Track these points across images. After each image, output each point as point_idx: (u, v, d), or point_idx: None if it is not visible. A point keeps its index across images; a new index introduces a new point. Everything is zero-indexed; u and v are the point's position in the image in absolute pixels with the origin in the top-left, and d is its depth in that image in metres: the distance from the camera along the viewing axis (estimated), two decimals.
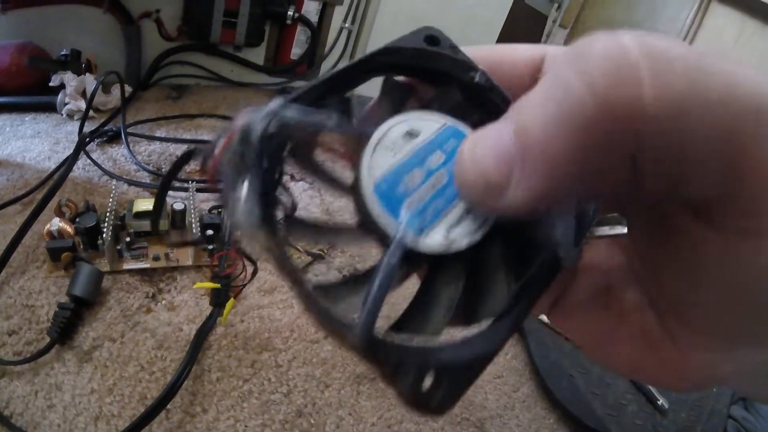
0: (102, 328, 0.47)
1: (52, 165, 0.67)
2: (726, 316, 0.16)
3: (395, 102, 0.20)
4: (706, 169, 0.13)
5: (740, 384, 0.21)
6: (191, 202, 0.58)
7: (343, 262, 0.63)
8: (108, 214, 0.54)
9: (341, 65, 0.19)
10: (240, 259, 0.55)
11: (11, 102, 0.79)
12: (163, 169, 0.72)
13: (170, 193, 0.67)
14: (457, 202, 0.17)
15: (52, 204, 0.55)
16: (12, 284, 0.50)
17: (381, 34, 1.15)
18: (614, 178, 0.14)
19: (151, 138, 0.78)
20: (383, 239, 0.17)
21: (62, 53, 0.82)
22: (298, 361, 0.50)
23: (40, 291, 0.49)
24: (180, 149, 0.78)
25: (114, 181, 0.65)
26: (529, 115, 0.14)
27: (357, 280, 0.18)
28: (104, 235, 0.52)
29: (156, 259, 0.55)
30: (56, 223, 0.52)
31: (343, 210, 0.72)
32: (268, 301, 0.55)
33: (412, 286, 0.19)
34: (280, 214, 0.18)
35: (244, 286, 0.54)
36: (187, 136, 0.82)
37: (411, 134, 0.18)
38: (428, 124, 0.19)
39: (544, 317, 0.63)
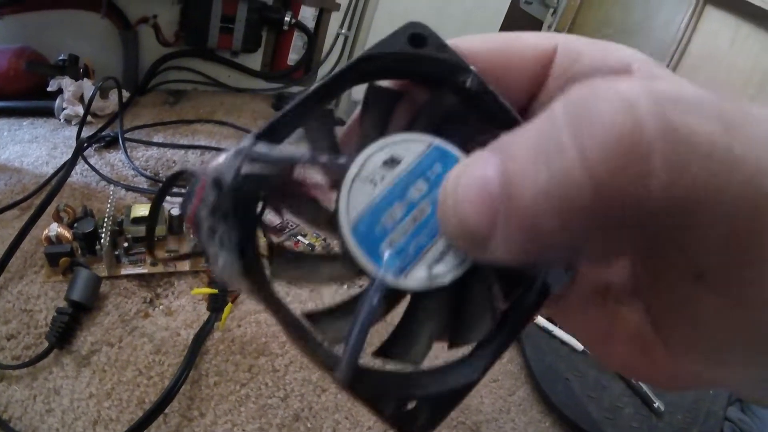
0: (100, 333, 0.48)
1: (49, 170, 0.67)
2: (719, 344, 0.15)
3: (380, 112, 0.19)
4: (714, 248, 0.12)
5: (734, 389, 0.21)
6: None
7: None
8: (106, 219, 0.54)
9: (316, 84, 0.18)
10: None
11: (9, 106, 0.79)
12: (160, 174, 0.72)
13: (167, 198, 0.67)
14: (439, 236, 0.16)
15: (50, 209, 0.55)
16: (10, 289, 0.50)
17: (377, 39, 1.15)
18: (607, 246, 0.13)
19: (149, 143, 0.79)
20: (366, 274, 0.16)
21: (60, 58, 0.83)
22: (294, 365, 0.50)
23: (38, 296, 0.50)
24: (177, 154, 0.78)
25: (112, 187, 0.66)
26: (518, 169, 0.13)
27: (344, 307, 0.17)
28: (102, 240, 0.52)
29: (154, 264, 0.55)
30: (54, 229, 0.53)
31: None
32: None
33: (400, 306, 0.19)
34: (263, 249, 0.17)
35: None
36: (184, 141, 0.82)
37: (392, 161, 0.17)
38: (411, 147, 0.17)
39: (541, 319, 0.64)
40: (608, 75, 0.17)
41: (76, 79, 0.82)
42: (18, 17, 0.82)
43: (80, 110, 0.79)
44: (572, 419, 0.52)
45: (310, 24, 1.07)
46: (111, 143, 0.76)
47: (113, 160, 0.74)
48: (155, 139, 0.80)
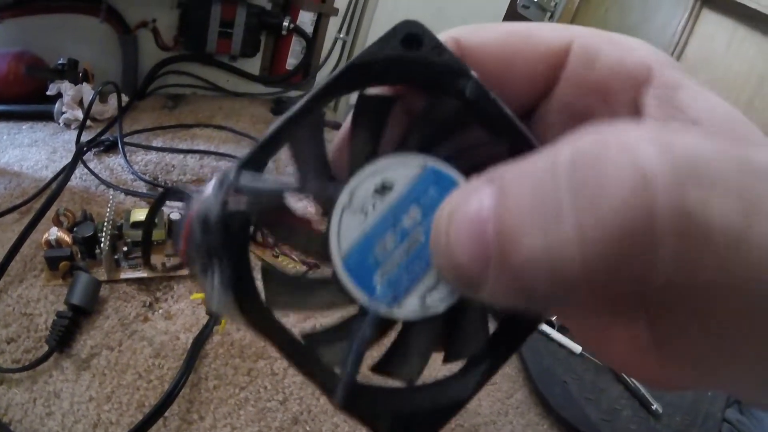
0: (100, 337, 0.48)
1: (49, 174, 0.67)
2: (716, 359, 0.14)
3: (372, 124, 0.18)
4: (717, 323, 0.12)
5: (733, 393, 0.21)
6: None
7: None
8: (105, 223, 0.54)
9: (300, 104, 0.16)
10: None
11: (8, 110, 0.79)
12: (159, 179, 0.73)
13: (167, 202, 0.67)
14: (433, 266, 0.16)
15: (50, 213, 0.55)
16: (10, 293, 0.50)
17: None
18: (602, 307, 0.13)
19: (148, 148, 0.79)
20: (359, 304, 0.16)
21: (59, 62, 0.83)
22: (293, 369, 0.50)
23: (38, 299, 0.50)
24: (176, 159, 0.78)
25: (111, 191, 0.66)
26: (512, 224, 0.12)
27: (339, 328, 0.17)
28: (102, 244, 0.52)
29: (153, 268, 0.55)
30: (54, 233, 0.53)
31: None
32: None
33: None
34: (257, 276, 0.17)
35: None
36: (183, 145, 0.82)
37: (383, 188, 0.16)
38: (404, 171, 0.16)
39: None
40: (627, 82, 0.16)
41: (76, 84, 0.82)
42: (17, 21, 0.82)
43: (79, 114, 0.79)
44: (570, 422, 0.53)
45: (309, 29, 1.07)
46: (110, 147, 0.77)
47: (112, 165, 0.74)
48: (154, 144, 0.81)
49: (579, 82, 0.17)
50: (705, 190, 0.10)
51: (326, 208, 0.16)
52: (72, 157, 0.65)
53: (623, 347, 0.18)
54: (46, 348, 0.45)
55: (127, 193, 0.67)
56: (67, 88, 0.81)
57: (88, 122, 0.77)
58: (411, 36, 0.17)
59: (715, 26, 1.45)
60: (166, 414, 0.42)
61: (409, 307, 0.16)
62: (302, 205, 0.17)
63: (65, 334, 0.46)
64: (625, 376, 0.59)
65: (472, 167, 0.17)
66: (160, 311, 0.53)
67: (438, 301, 0.16)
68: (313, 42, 1.09)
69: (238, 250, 0.16)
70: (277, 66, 1.10)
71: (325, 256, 0.16)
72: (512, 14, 1.52)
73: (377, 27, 1.15)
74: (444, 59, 0.17)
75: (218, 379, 0.47)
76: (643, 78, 0.16)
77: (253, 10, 0.97)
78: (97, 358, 0.46)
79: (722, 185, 0.10)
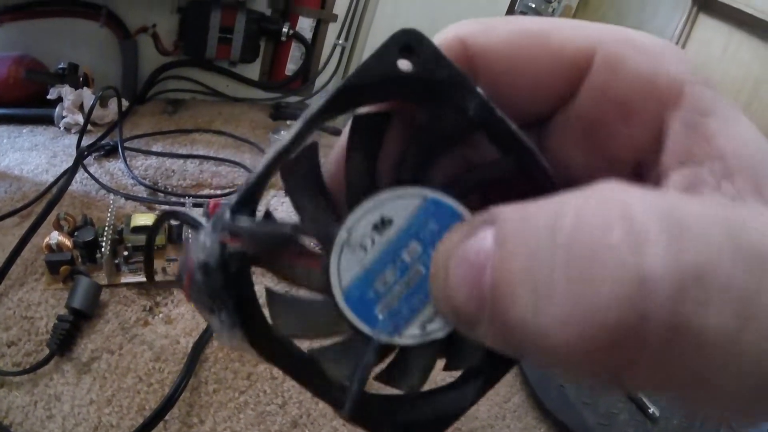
0: (100, 341, 0.48)
1: (49, 178, 0.68)
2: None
3: (369, 144, 0.17)
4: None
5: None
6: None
7: None
8: (106, 228, 0.55)
9: (291, 134, 0.16)
10: None
11: (9, 114, 0.80)
12: (159, 184, 0.73)
13: (167, 207, 0.68)
14: None
15: (51, 217, 0.56)
16: (11, 296, 0.50)
17: (374, 50, 1.16)
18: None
19: (148, 152, 0.79)
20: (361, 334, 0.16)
21: (59, 66, 0.83)
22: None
23: (39, 303, 0.50)
24: (176, 164, 0.79)
25: (111, 196, 0.66)
26: (506, 280, 0.12)
27: (343, 344, 0.17)
28: (102, 249, 0.53)
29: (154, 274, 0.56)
30: (55, 237, 0.53)
31: None
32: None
33: None
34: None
35: None
36: (183, 150, 0.82)
37: (382, 223, 0.16)
38: (402, 204, 0.16)
39: None
40: (653, 101, 0.15)
41: (76, 88, 0.82)
42: (18, 25, 0.83)
43: (80, 119, 0.80)
44: (567, 425, 0.53)
45: (308, 35, 1.08)
46: (110, 152, 0.77)
47: (113, 169, 0.74)
48: (154, 149, 0.81)
49: (600, 95, 0.16)
50: (705, 305, 0.10)
51: (325, 244, 0.16)
52: (72, 161, 0.65)
53: None
54: (46, 351, 0.45)
55: (128, 197, 0.68)
56: (67, 92, 0.81)
57: (89, 127, 0.77)
58: (409, 47, 0.16)
59: (711, 31, 1.46)
60: (167, 417, 0.43)
61: (410, 335, 0.16)
62: (301, 244, 0.17)
63: (66, 337, 0.46)
64: None
65: (475, 186, 0.17)
66: (161, 315, 0.53)
67: (438, 328, 0.16)
68: (312, 48, 1.09)
69: (240, 288, 0.16)
70: (277, 72, 1.10)
71: (326, 291, 0.16)
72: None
73: (376, 33, 1.15)
74: (445, 74, 0.15)
75: (218, 383, 0.48)
76: (673, 98, 0.15)
77: (252, 16, 0.98)
78: (97, 362, 0.46)
79: (724, 295, 0.10)
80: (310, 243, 0.17)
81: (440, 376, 0.19)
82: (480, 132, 0.16)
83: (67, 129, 0.80)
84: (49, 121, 0.81)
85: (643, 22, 1.67)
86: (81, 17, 0.87)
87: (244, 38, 0.98)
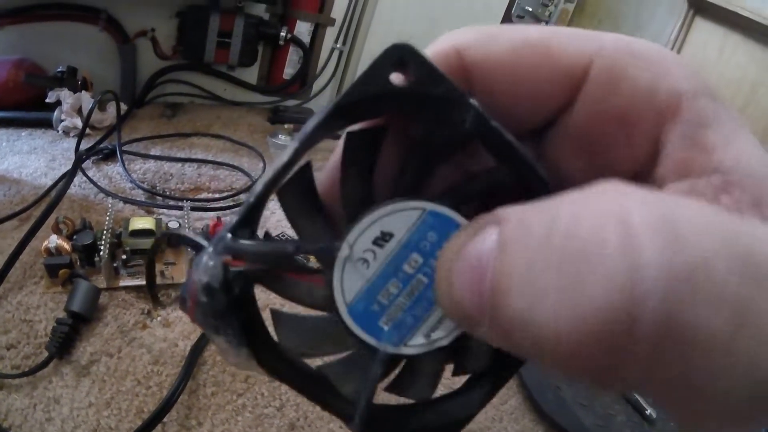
0: (99, 344, 0.48)
1: (48, 181, 0.68)
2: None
3: (363, 160, 0.17)
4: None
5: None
6: (186, 220, 0.60)
7: None
8: (105, 231, 0.55)
9: (284, 158, 0.16)
10: None
11: (8, 117, 0.80)
12: (157, 187, 0.73)
13: (165, 211, 0.68)
14: (437, 305, 0.16)
15: (50, 221, 0.56)
16: (10, 299, 0.51)
17: (371, 54, 1.17)
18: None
19: (146, 156, 0.80)
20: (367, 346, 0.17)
21: (59, 70, 0.84)
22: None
23: (38, 306, 0.50)
24: (174, 167, 0.79)
25: (110, 199, 0.66)
26: (505, 282, 0.12)
27: (352, 358, 0.18)
28: (101, 252, 0.53)
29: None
30: (54, 240, 0.53)
31: None
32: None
33: None
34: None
35: None
36: (181, 154, 0.83)
37: (383, 237, 0.16)
38: (402, 217, 0.16)
39: None
40: (651, 112, 0.15)
41: (75, 92, 0.83)
42: (17, 29, 0.83)
43: (78, 122, 0.80)
44: (564, 427, 0.53)
45: (306, 39, 1.09)
46: (109, 156, 0.77)
47: (111, 173, 0.74)
48: (152, 152, 0.81)
49: (598, 107, 0.15)
50: (698, 309, 0.10)
51: (326, 261, 0.16)
52: (72, 165, 0.66)
53: None
54: (45, 354, 0.45)
55: (126, 201, 0.68)
56: (66, 95, 0.81)
57: (87, 130, 0.78)
58: (402, 62, 0.15)
59: (707, 34, 1.46)
60: (165, 420, 0.43)
61: (416, 344, 0.16)
62: (302, 260, 0.17)
63: (65, 340, 0.46)
64: None
65: (473, 195, 0.18)
66: (159, 319, 0.53)
67: (444, 334, 0.16)
68: (310, 52, 1.10)
69: (244, 309, 0.16)
70: (275, 75, 1.11)
71: (330, 307, 0.16)
72: (507, 24, 1.53)
73: (374, 37, 1.16)
74: (439, 88, 0.15)
75: (216, 386, 0.48)
76: (672, 109, 0.14)
77: (251, 20, 0.98)
78: (96, 365, 0.47)
79: (717, 301, 0.10)
80: (311, 261, 0.17)
81: (445, 383, 0.19)
82: (477, 141, 0.16)
83: (66, 132, 0.81)
84: (48, 124, 0.81)
85: (639, 27, 1.68)
86: (80, 21, 0.88)
87: (242, 42, 0.99)
